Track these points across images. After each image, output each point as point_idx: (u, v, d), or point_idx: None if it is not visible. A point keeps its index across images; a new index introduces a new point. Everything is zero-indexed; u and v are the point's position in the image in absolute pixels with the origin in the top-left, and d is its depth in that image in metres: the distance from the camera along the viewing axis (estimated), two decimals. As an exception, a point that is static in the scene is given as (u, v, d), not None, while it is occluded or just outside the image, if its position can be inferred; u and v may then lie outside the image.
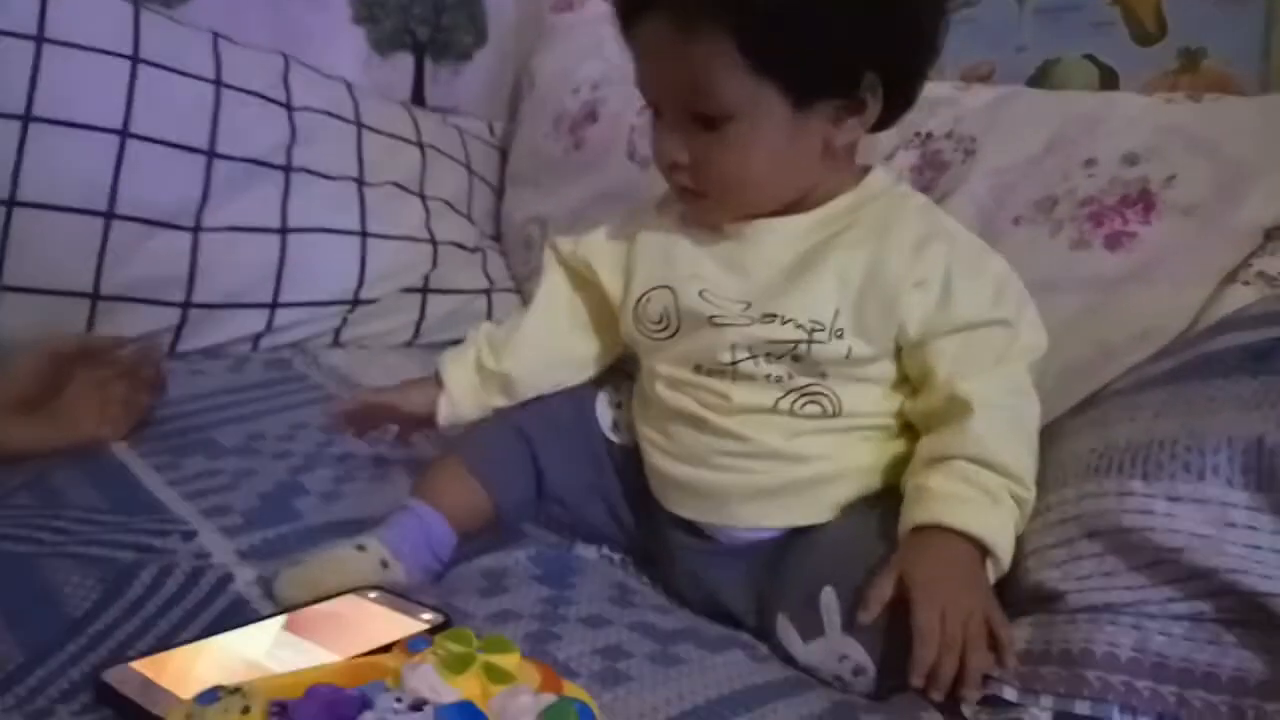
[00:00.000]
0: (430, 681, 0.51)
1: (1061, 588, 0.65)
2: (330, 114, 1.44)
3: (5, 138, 1.16)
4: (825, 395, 0.75)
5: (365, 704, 0.49)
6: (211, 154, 1.30)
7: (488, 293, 1.49)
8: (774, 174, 0.75)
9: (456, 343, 0.91)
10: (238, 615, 0.70)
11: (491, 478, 0.82)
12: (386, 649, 0.59)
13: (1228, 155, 0.95)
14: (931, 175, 1.12)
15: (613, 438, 0.87)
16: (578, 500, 0.86)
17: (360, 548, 0.75)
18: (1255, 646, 0.60)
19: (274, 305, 1.32)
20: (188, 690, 0.54)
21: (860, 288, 0.74)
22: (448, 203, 1.53)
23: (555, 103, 1.57)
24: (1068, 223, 0.99)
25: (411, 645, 0.55)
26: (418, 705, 0.49)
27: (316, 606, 0.70)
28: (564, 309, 0.88)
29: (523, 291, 1.52)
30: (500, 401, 0.87)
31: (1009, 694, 0.62)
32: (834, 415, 0.75)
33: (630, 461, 0.85)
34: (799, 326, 0.73)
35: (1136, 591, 0.63)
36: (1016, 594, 0.68)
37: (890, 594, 0.65)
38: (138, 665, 0.61)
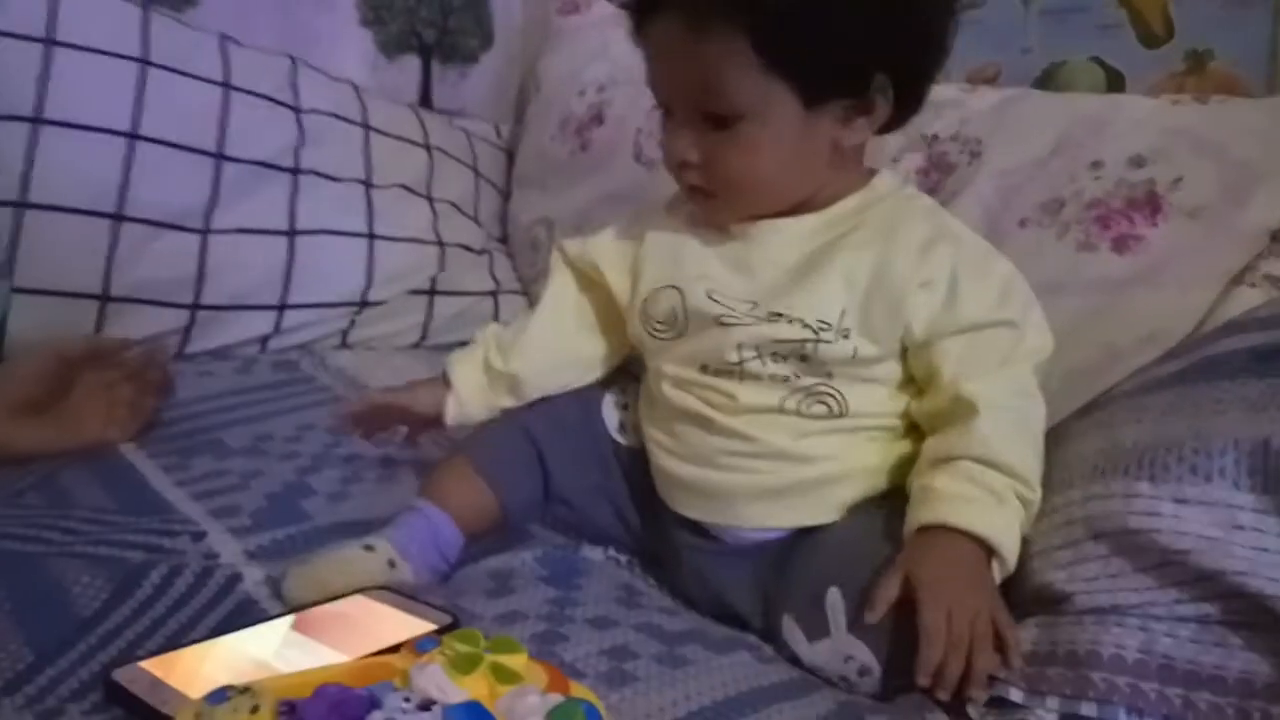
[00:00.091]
0: (438, 682, 0.51)
1: (1068, 589, 0.65)
2: (338, 116, 1.45)
3: (15, 140, 1.17)
4: (831, 395, 0.75)
5: (374, 704, 0.49)
6: (220, 156, 1.30)
7: (494, 294, 1.50)
8: (783, 174, 0.76)
9: (464, 344, 0.91)
10: (246, 615, 0.71)
11: (498, 478, 0.83)
12: (394, 649, 0.59)
13: (1234, 157, 0.95)
14: (938, 177, 1.12)
15: (619, 439, 0.87)
16: (584, 502, 0.87)
17: (368, 548, 0.75)
18: (1262, 649, 0.59)
19: (282, 307, 1.32)
20: (197, 690, 0.54)
21: (867, 288, 0.74)
22: (455, 205, 1.54)
23: (561, 105, 1.58)
24: (1074, 225, 0.99)
25: (419, 646, 0.56)
26: (426, 705, 0.49)
27: (324, 607, 0.70)
28: (571, 310, 0.89)
29: (529, 293, 1.52)
30: (508, 402, 0.87)
31: (1015, 695, 0.62)
32: (840, 415, 0.75)
33: (637, 463, 0.85)
34: (805, 326, 0.73)
35: (1143, 593, 0.63)
36: (1022, 595, 0.68)
37: (896, 594, 0.65)
38: (147, 665, 0.61)
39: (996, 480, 0.69)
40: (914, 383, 0.77)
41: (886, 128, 0.77)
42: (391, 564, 0.75)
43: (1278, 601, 0.59)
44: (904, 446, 0.77)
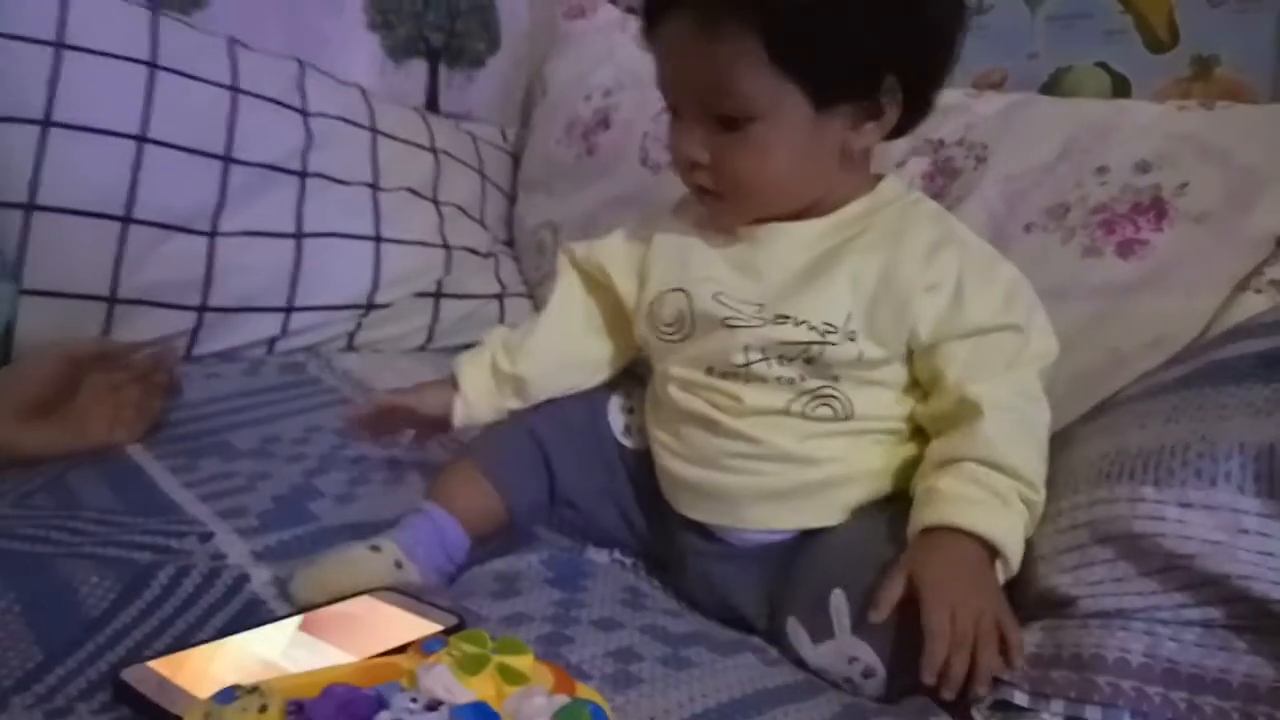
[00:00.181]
0: (445, 682, 0.51)
1: (1073, 593, 0.65)
2: (345, 120, 1.45)
3: (24, 143, 1.17)
4: (837, 398, 0.75)
5: (381, 704, 0.49)
6: (227, 159, 1.31)
7: (500, 297, 1.50)
8: (792, 176, 0.76)
9: (469, 347, 0.91)
10: (253, 615, 0.71)
11: (504, 480, 0.83)
12: (401, 650, 0.60)
13: (1240, 163, 0.95)
14: (943, 182, 1.12)
15: (625, 442, 0.88)
16: (590, 504, 0.87)
17: (375, 549, 0.75)
18: (1266, 653, 0.60)
19: (289, 309, 1.33)
20: (205, 689, 0.54)
21: (873, 292, 0.74)
22: (461, 208, 1.54)
23: (568, 109, 1.58)
24: (1080, 230, 1.00)
25: (426, 646, 0.56)
26: (433, 705, 0.49)
27: (331, 607, 0.70)
28: (578, 312, 0.89)
29: (535, 296, 1.53)
30: (515, 404, 0.87)
31: (1020, 698, 0.62)
32: (845, 418, 0.75)
33: (642, 466, 0.86)
34: (812, 328, 0.74)
35: (1148, 597, 0.63)
36: (1027, 599, 0.69)
37: (900, 594, 0.65)
38: (155, 664, 0.61)
39: (1000, 482, 0.69)
40: (919, 386, 0.77)
41: (894, 133, 0.77)
42: (398, 565, 0.75)
43: (1282, 605, 0.59)
44: (908, 449, 0.77)
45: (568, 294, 0.89)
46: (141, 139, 1.24)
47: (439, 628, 0.67)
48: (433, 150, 1.55)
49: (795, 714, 0.63)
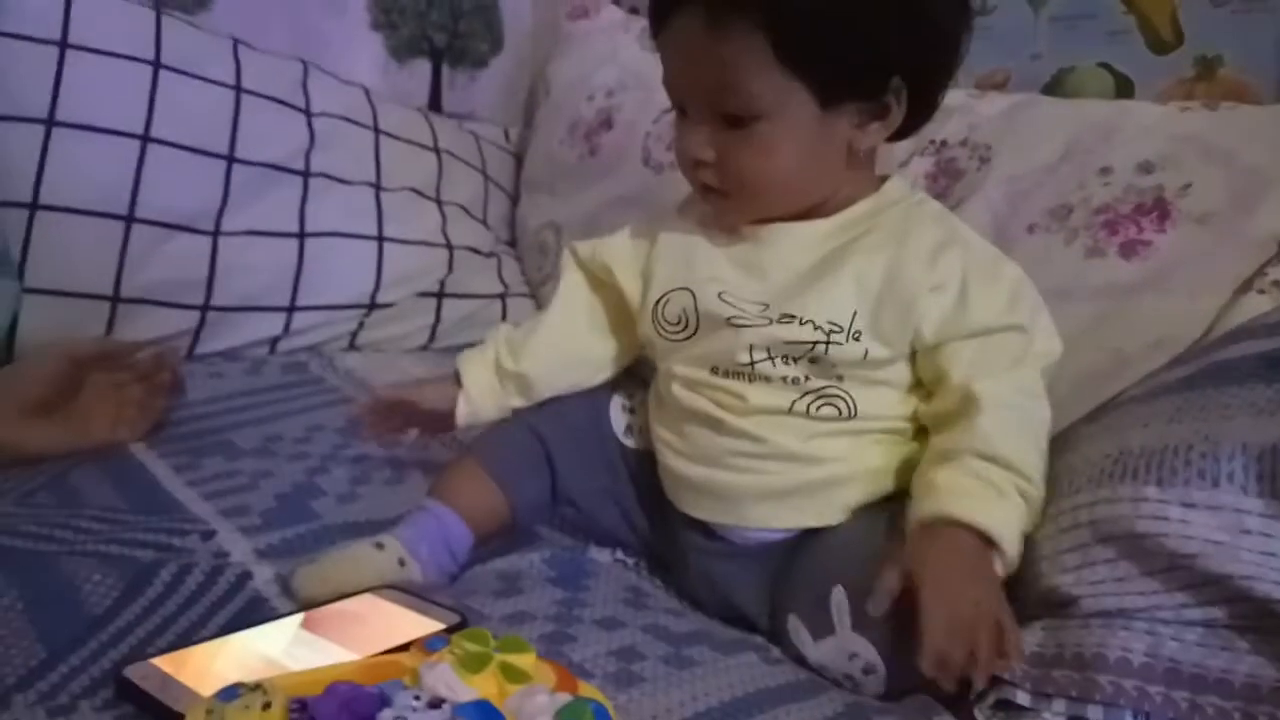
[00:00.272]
0: (448, 680, 0.51)
1: (1075, 592, 0.65)
2: (348, 120, 1.45)
3: (28, 142, 1.17)
4: (841, 398, 0.75)
5: (384, 702, 0.49)
6: (231, 159, 1.31)
7: (502, 297, 1.50)
8: (798, 175, 0.76)
9: (472, 346, 0.91)
10: (256, 613, 0.71)
11: (507, 479, 0.83)
12: (404, 648, 0.60)
13: (1243, 164, 0.95)
14: (946, 183, 1.12)
15: (626, 442, 0.88)
16: (592, 504, 0.87)
17: (378, 546, 0.75)
18: (1268, 653, 0.60)
19: (291, 309, 1.33)
20: (208, 687, 0.54)
21: (878, 292, 0.74)
22: (463, 208, 1.54)
23: (570, 109, 1.58)
24: (1082, 231, 0.99)
25: (429, 644, 0.56)
26: (435, 703, 0.49)
27: (334, 605, 0.70)
28: (583, 310, 0.89)
29: (537, 296, 1.53)
30: (518, 402, 0.88)
31: (1021, 698, 0.62)
32: (849, 418, 0.75)
33: (644, 466, 0.86)
34: (817, 328, 0.74)
35: (1150, 597, 0.63)
36: (1030, 598, 0.69)
37: (897, 586, 0.65)
38: (158, 662, 0.61)
39: (997, 475, 0.69)
40: (922, 386, 0.77)
41: (899, 134, 0.78)
42: (401, 562, 0.75)
43: (1285, 606, 0.59)
44: (912, 449, 0.77)
45: (572, 292, 0.89)
46: (145, 138, 1.24)
47: (441, 626, 0.67)
48: (435, 150, 1.55)
49: (797, 713, 0.63)
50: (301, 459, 1.00)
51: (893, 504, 0.75)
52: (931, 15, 0.73)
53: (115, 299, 1.22)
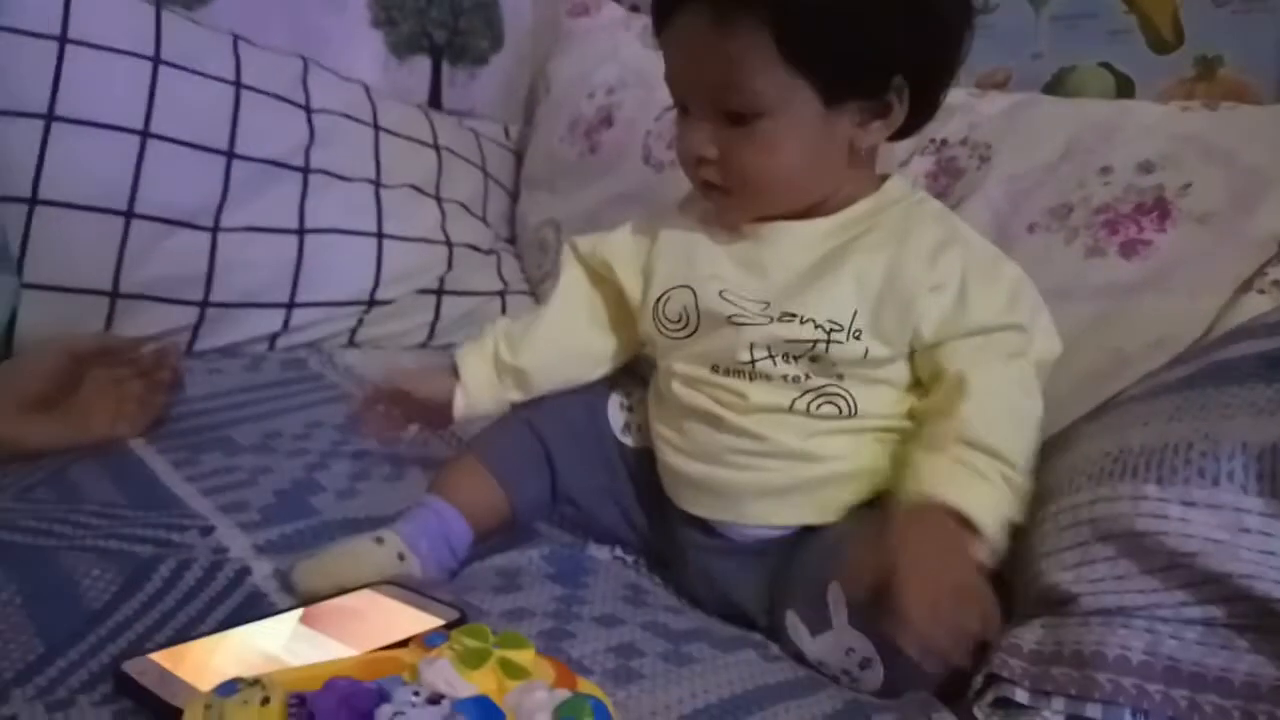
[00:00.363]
0: (447, 676, 0.51)
1: (1074, 590, 0.65)
2: (348, 116, 1.45)
3: (27, 137, 1.17)
4: (841, 396, 0.75)
5: (383, 697, 0.49)
6: (230, 155, 1.31)
7: (502, 294, 1.50)
8: (800, 173, 0.76)
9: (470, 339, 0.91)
10: (255, 608, 0.71)
11: (507, 476, 0.83)
12: (403, 644, 0.60)
13: (1244, 164, 0.95)
14: (946, 182, 1.12)
15: (624, 440, 0.88)
16: (591, 501, 0.87)
17: (378, 540, 0.75)
18: (1268, 652, 0.60)
19: (290, 305, 1.33)
20: (206, 682, 0.55)
21: (878, 291, 0.74)
22: (463, 205, 1.54)
23: (571, 107, 1.58)
24: (1083, 230, 0.99)
25: (428, 640, 0.56)
26: (435, 699, 0.49)
27: (333, 601, 0.70)
28: (583, 305, 0.89)
29: (537, 294, 1.53)
30: (516, 396, 0.87)
31: (1020, 696, 0.62)
32: (849, 416, 0.75)
33: (642, 464, 0.86)
34: (818, 326, 0.74)
35: (1149, 595, 0.63)
36: (1029, 596, 0.69)
37: (876, 568, 0.64)
38: (157, 657, 0.61)
39: (981, 461, 0.69)
40: (921, 385, 0.77)
41: (900, 133, 0.78)
42: (401, 557, 0.75)
43: (1284, 605, 0.59)
44: (911, 448, 0.77)
45: (572, 287, 0.89)
46: (145, 134, 1.24)
47: (441, 622, 0.67)
48: (435, 147, 1.55)
49: (796, 710, 0.64)
50: (301, 455, 1.00)
51: (891, 502, 0.75)
52: (936, 13, 0.73)
53: (114, 294, 1.21)
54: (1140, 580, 0.63)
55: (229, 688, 0.49)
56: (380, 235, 1.41)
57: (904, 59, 0.73)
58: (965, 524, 0.67)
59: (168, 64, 1.27)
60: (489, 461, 0.83)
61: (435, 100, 1.72)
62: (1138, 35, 1.21)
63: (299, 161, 1.37)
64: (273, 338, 1.33)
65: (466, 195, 1.56)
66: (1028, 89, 1.24)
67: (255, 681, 0.49)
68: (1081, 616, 0.64)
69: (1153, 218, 0.97)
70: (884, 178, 0.81)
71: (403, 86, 1.65)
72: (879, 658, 0.67)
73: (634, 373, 0.91)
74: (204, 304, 1.27)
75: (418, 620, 0.68)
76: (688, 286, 0.79)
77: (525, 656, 0.54)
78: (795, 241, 0.78)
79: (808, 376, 0.75)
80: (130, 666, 0.60)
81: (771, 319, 0.75)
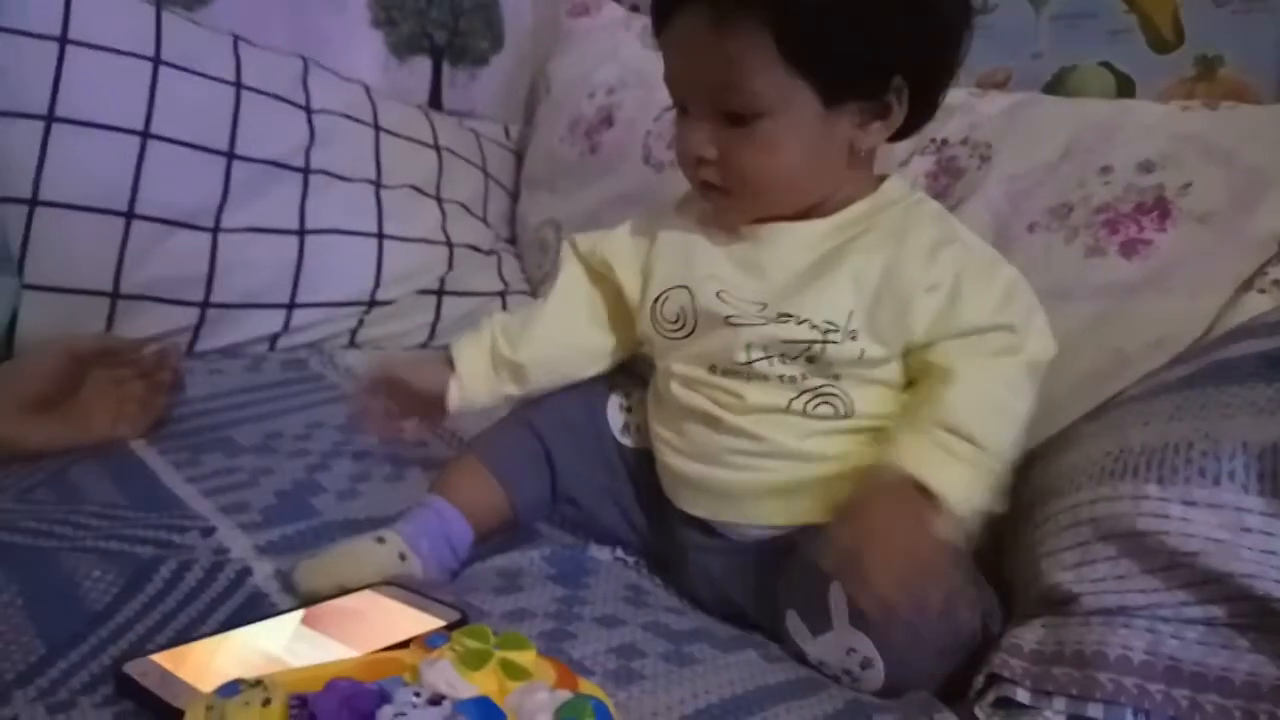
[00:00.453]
0: (448, 677, 0.51)
1: (1075, 590, 0.65)
2: (348, 117, 1.45)
3: (28, 138, 1.17)
4: (838, 396, 0.75)
5: (384, 698, 0.49)
6: (231, 155, 1.31)
7: (502, 295, 1.50)
8: (800, 173, 0.76)
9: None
10: (256, 609, 0.71)
11: (508, 476, 0.83)
12: (404, 645, 0.60)
13: (1244, 163, 0.95)
14: (947, 181, 1.12)
15: (623, 441, 0.88)
16: (591, 502, 0.87)
17: (379, 540, 0.75)
18: (1269, 651, 0.60)
19: (291, 306, 1.33)
20: (208, 683, 0.54)
21: (875, 291, 0.74)
22: (464, 205, 1.54)
23: (571, 107, 1.58)
24: (1083, 230, 0.99)
25: (429, 641, 0.56)
26: (436, 700, 0.49)
27: (334, 602, 0.70)
28: (582, 301, 0.88)
29: (537, 294, 1.52)
30: (512, 389, 0.87)
31: (1022, 696, 0.62)
32: (846, 416, 0.75)
33: (642, 464, 0.86)
34: (814, 327, 0.74)
35: (1150, 595, 0.63)
36: (1030, 596, 0.69)
37: (842, 531, 0.65)
38: (158, 658, 0.61)
39: (954, 442, 0.69)
40: (914, 383, 0.77)
41: (899, 134, 0.78)
42: (402, 557, 0.75)
43: (1285, 604, 0.59)
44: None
45: (572, 283, 0.89)
46: (145, 135, 1.24)
47: (442, 623, 0.67)
48: (436, 148, 1.55)
49: (797, 710, 0.64)
50: (301, 456, 1.00)
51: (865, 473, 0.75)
52: (936, 13, 0.73)
53: (115, 295, 1.21)
54: (1141, 580, 0.63)
55: (230, 689, 0.49)
56: (381, 236, 1.41)
57: (904, 59, 0.73)
58: (935, 502, 0.67)
59: (168, 64, 1.27)
60: (490, 461, 0.83)
61: (435, 101, 1.72)
62: (1138, 35, 1.21)
63: (299, 162, 1.37)
64: (273, 338, 1.33)
65: (467, 196, 1.56)
66: (1028, 89, 1.24)
67: (257, 683, 0.49)
68: (1083, 616, 0.64)
69: (1153, 217, 0.97)
70: (882, 178, 0.81)
71: (403, 87, 1.65)
72: (880, 658, 0.67)
73: (633, 373, 0.91)
74: (205, 305, 1.27)
75: (419, 621, 0.68)
76: (685, 287, 0.79)
77: (526, 657, 0.54)
78: (793, 242, 0.78)
79: (804, 377, 0.75)
80: (131, 668, 0.60)
81: (768, 320, 0.75)
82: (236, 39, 1.38)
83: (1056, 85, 1.27)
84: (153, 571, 0.74)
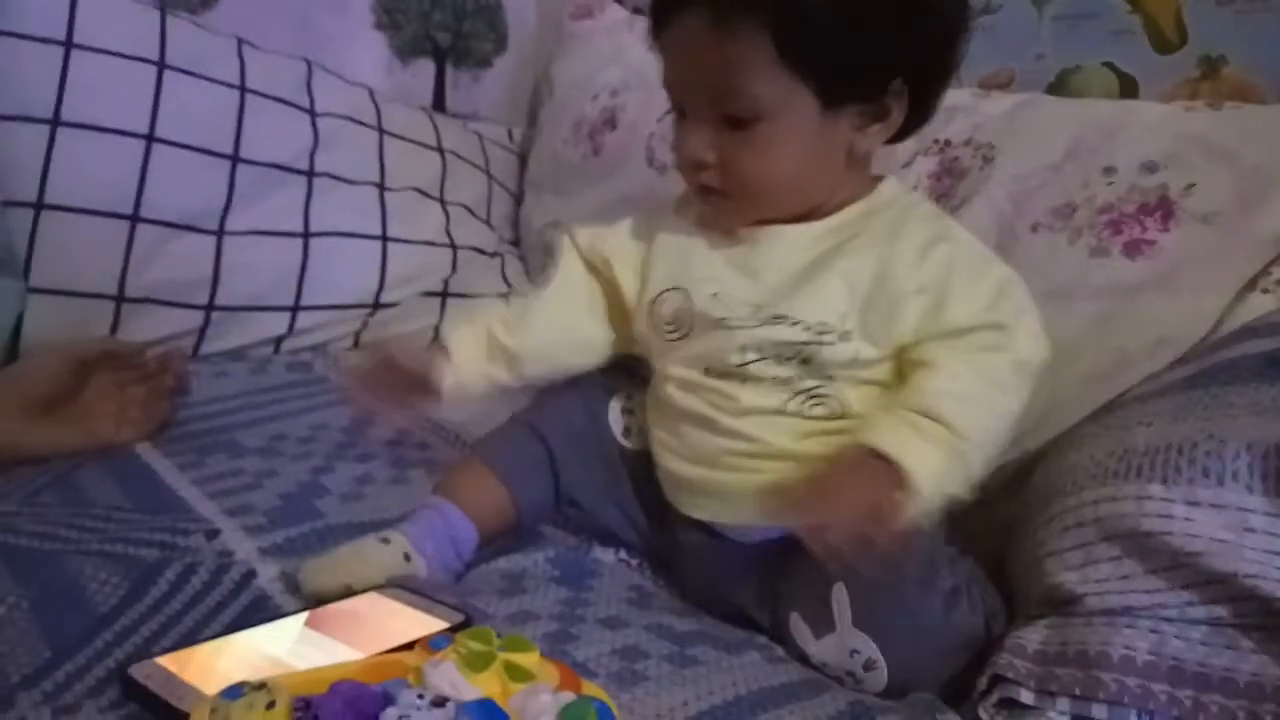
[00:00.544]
0: (451, 679, 0.52)
1: (1079, 590, 0.65)
2: (352, 120, 1.45)
3: (33, 141, 1.17)
4: (832, 397, 0.75)
5: (388, 700, 0.49)
6: (235, 159, 1.31)
7: (506, 297, 1.50)
8: (798, 177, 0.76)
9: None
10: (261, 612, 0.71)
11: (511, 477, 0.83)
12: (408, 647, 0.60)
13: (1247, 164, 0.94)
14: (950, 182, 1.12)
15: (625, 443, 0.88)
16: (593, 504, 0.87)
17: (384, 540, 0.75)
18: (1274, 652, 0.60)
19: (296, 308, 1.33)
20: (213, 685, 0.54)
21: (867, 293, 0.75)
22: (467, 208, 1.54)
23: (574, 109, 1.58)
24: (1086, 230, 0.99)
25: (433, 643, 0.56)
26: (439, 702, 0.49)
27: (338, 604, 0.70)
28: (581, 293, 0.88)
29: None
30: (504, 375, 0.86)
31: (1025, 696, 0.62)
32: (841, 416, 0.75)
33: (643, 467, 0.86)
34: (807, 329, 0.74)
35: (1154, 595, 0.63)
36: (1033, 596, 0.69)
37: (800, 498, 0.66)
38: (163, 661, 0.61)
39: (925, 424, 0.69)
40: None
41: (896, 137, 0.78)
42: (406, 557, 0.75)
43: (1289, 605, 0.59)
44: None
45: (571, 274, 0.88)
46: (150, 138, 1.24)
47: (445, 625, 0.67)
48: (439, 150, 1.55)
49: (800, 712, 0.64)
50: (306, 458, 1.00)
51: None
52: (936, 15, 0.73)
53: (120, 299, 1.22)
54: (1145, 580, 0.63)
55: (235, 691, 0.49)
56: (385, 238, 1.41)
57: (903, 62, 0.73)
58: (898, 474, 0.67)
59: (172, 68, 1.28)
60: (493, 463, 0.83)
61: (439, 103, 1.72)
62: (1141, 35, 1.21)
63: (303, 165, 1.37)
64: (278, 341, 1.33)
65: (471, 198, 1.56)
66: (1031, 89, 1.24)
67: (261, 685, 0.49)
68: (1086, 617, 0.64)
69: (1156, 217, 0.96)
70: (878, 179, 0.81)
71: (407, 89, 1.66)
72: (883, 659, 0.67)
73: (634, 376, 0.90)
74: (209, 307, 1.27)
75: (422, 623, 0.68)
76: (681, 288, 0.79)
77: (530, 659, 0.54)
78: (788, 244, 0.78)
79: (798, 378, 0.75)
80: (137, 670, 0.60)
81: (762, 322, 0.75)
82: (241, 42, 1.38)
83: (1059, 86, 1.27)
84: (158, 574, 0.74)
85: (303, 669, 0.59)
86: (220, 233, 1.29)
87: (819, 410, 0.75)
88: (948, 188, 1.11)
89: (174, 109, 1.26)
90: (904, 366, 0.76)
